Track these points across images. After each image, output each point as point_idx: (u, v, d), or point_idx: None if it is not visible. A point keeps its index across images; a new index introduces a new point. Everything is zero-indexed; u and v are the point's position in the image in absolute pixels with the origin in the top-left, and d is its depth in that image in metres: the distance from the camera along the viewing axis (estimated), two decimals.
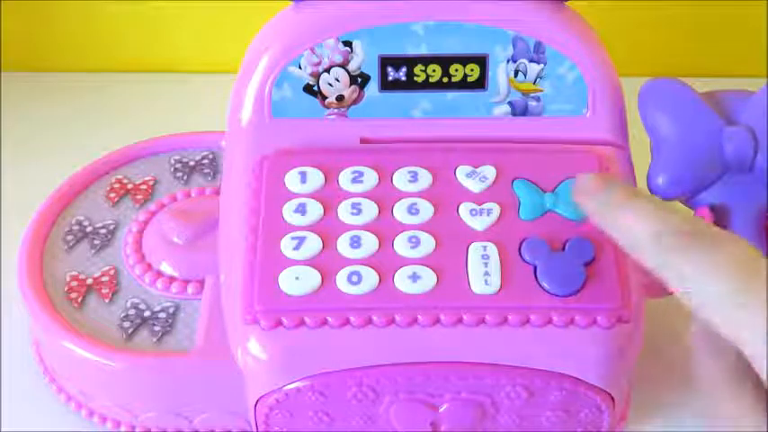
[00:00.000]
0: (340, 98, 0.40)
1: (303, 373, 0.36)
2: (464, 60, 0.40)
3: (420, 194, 0.39)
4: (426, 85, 0.40)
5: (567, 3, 0.40)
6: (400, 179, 0.39)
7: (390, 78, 0.40)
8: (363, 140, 0.41)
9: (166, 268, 0.43)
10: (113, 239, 0.46)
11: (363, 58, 0.40)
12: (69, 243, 0.45)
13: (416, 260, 0.37)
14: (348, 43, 0.39)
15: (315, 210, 0.38)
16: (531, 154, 0.40)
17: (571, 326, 0.36)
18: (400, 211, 0.38)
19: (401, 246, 0.37)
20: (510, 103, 0.40)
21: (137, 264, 0.44)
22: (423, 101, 0.40)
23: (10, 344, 0.46)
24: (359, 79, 0.40)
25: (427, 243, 0.37)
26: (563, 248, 0.37)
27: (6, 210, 0.54)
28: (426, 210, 0.38)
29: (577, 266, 0.36)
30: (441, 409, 0.38)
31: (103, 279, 0.44)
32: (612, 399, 0.38)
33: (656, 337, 0.39)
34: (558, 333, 0.36)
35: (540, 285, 0.36)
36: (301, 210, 0.38)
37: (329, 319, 0.36)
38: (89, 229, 0.46)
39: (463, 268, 0.36)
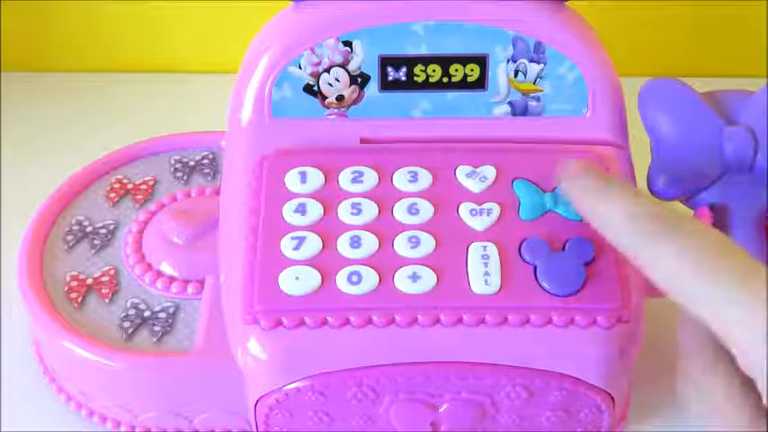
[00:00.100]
0: (340, 98, 0.40)
1: (303, 373, 0.36)
2: (464, 60, 0.40)
3: (420, 194, 0.39)
4: (426, 85, 0.40)
5: (566, 3, 0.40)
6: (400, 179, 0.39)
7: (390, 78, 0.40)
8: (363, 140, 0.41)
9: (166, 268, 0.43)
10: (113, 239, 0.46)
11: (363, 58, 0.40)
12: (69, 243, 0.45)
13: (416, 260, 0.37)
14: (348, 43, 0.39)
15: (315, 210, 0.38)
16: (531, 154, 0.40)
17: (571, 326, 0.36)
18: (400, 211, 0.38)
19: (401, 246, 0.37)
20: (510, 103, 0.40)
21: (137, 264, 0.44)
22: (423, 101, 0.40)
23: (10, 344, 0.46)
24: (359, 79, 0.40)
25: (427, 243, 0.37)
26: (563, 248, 0.37)
27: (6, 210, 0.54)
28: (426, 210, 0.38)
29: (577, 266, 0.36)
30: (441, 409, 0.38)
31: (103, 279, 0.44)
32: (612, 399, 0.38)
33: (656, 337, 0.39)
34: (558, 333, 0.36)
35: (540, 285, 0.36)
36: (301, 210, 0.38)
37: (329, 319, 0.36)
38: (89, 229, 0.46)
39: (463, 268, 0.36)
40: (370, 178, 0.39)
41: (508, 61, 0.40)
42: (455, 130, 0.40)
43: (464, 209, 0.38)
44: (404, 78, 0.40)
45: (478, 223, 0.38)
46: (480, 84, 0.40)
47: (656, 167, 0.39)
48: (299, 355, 0.36)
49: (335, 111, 0.41)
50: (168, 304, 0.42)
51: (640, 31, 0.62)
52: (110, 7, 0.62)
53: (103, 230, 0.46)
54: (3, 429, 0.43)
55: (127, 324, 0.42)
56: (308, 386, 0.36)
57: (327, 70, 0.40)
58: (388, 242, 0.37)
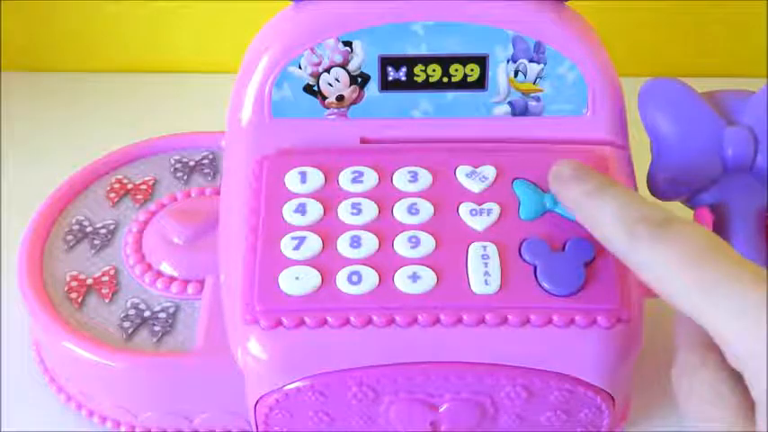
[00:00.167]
0: (340, 98, 0.40)
1: (303, 373, 0.36)
2: (464, 60, 0.40)
3: (420, 194, 0.39)
4: (426, 85, 0.40)
5: (567, 3, 0.40)
6: (400, 179, 0.39)
7: (390, 78, 0.40)
8: (363, 140, 0.41)
9: (166, 268, 0.43)
10: (113, 239, 0.46)
11: (363, 58, 0.40)
12: (69, 243, 0.45)
13: (416, 260, 0.37)
14: (348, 43, 0.39)
15: (315, 210, 0.38)
16: (531, 154, 0.40)
17: (571, 326, 0.36)
18: (400, 211, 0.38)
19: (401, 246, 0.37)
20: (510, 103, 0.40)
21: (137, 264, 0.44)
22: (423, 101, 0.40)
23: (10, 344, 0.46)
24: (359, 79, 0.40)
25: (427, 243, 0.37)
26: (563, 248, 0.37)
27: (6, 210, 0.54)
28: (426, 210, 0.38)
29: (577, 266, 0.36)
30: (441, 409, 0.38)
31: (103, 279, 0.44)
32: (612, 399, 0.38)
33: (656, 337, 0.39)
34: (558, 333, 0.36)
35: (540, 285, 0.36)
36: (301, 210, 0.38)
37: (329, 319, 0.36)
38: (89, 229, 0.46)
39: (463, 268, 0.36)
40: (370, 178, 0.39)
41: (508, 61, 0.40)
42: (455, 130, 0.40)
43: (464, 209, 0.38)
44: (404, 78, 0.40)
45: (478, 223, 0.38)
46: (480, 84, 0.40)
47: (656, 167, 0.39)
48: (299, 355, 0.36)
49: (335, 111, 0.41)
50: (168, 304, 0.42)
51: (640, 31, 0.62)
52: (110, 7, 0.62)
53: (103, 230, 0.46)
54: (3, 429, 0.43)
55: (127, 324, 0.42)
56: (308, 386, 0.36)
57: (327, 70, 0.40)
58: (388, 242, 0.37)
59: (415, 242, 0.37)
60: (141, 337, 0.41)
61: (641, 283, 0.36)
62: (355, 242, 0.37)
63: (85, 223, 0.46)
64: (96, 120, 0.60)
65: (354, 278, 0.36)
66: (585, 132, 0.40)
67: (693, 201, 0.40)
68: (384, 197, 0.38)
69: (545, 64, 0.40)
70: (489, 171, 0.39)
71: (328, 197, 0.39)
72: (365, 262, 0.37)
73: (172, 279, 0.43)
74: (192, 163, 0.50)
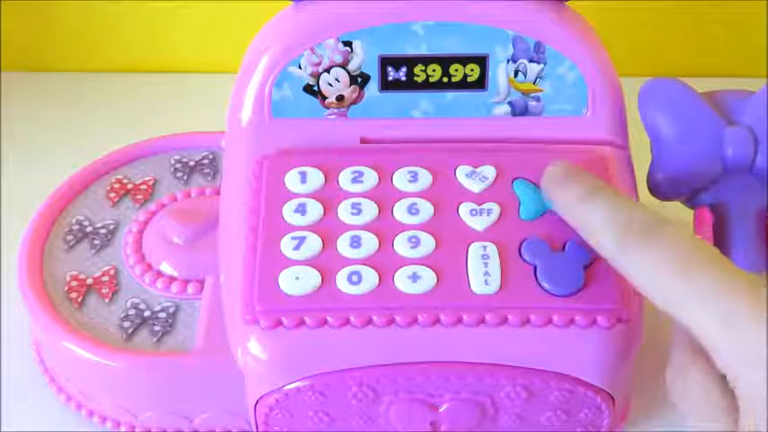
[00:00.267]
0: (340, 98, 0.40)
1: (303, 373, 0.36)
2: (464, 60, 0.40)
3: (420, 194, 0.39)
4: (426, 85, 0.40)
5: (567, 3, 0.40)
6: (400, 179, 0.39)
7: (390, 78, 0.40)
8: (363, 140, 0.41)
9: (166, 268, 0.43)
10: (113, 239, 0.46)
11: (363, 58, 0.40)
12: (69, 243, 0.45)
13: (416, 260, 0.37)
14: (348, 43, 0.39)
15: (315, 210, 0.38)
16: (531, 154, 0.40)
17: (571, 326, 0.36)
18: (400, 211, 0.38)
19: (401, 246, 0.37)
20: (510, 103, 0.40)
21: (137, 264, 0.44)
22: (423, 101, 0.40)
23: (10, 344, 0.46)
24: (359, 79, 0.40)
25: (427, 243, 0.37)
26: (563, 248, 0.37)
27: (6, 210, 0.54)
28: (426, 210, 0.38)
29: (577, 266, 0.36)
30: (441, 409, 0.38)
31: (103, 279, 0.44)
32: (612, 399, 0.38)
33: (656, 338, 0.39)
34: (558, 333, 0.36)
35: (540, 285, 0.36)
36: (301, 210, 0.38)
37: (329, 319, 0.36)
38: (89, 229, 0.46)
39: (463, 268, 0.36)
40: (370, 178, 0.39)
41: (508, 61, 0.40)
42: (455, 130, 0.40)
43: (464, 209, 0.38)
44: (404, 78, 0.40)
45: (478, 223, 0.38)
46: (480, 84, 0.40)
47: (656, 167, 0.39)
48: (299, 355, 0.36)
49: (335, 111, 0.40)
50: (168, 304, 0.42)
51: (640, 31, 0.62)
52: (110, 7, 0.62)
53: (103, 230, 0.46)
54: (3, 429, 0.43)
55: (127, 324, 0.42)
56: (307, 386, 0.36)
57: (327, 70, 0.40)
58: (388, 242, 0.37)
59: (415, 242, 0.37)
60: (141, 337, 0.41)
61: None
62: (355, 242, 0.37)
63: (85, 223, 0.46)
64: (96, 120, 0.60)
65: (354, 278, 0.36)
66: (585, 132, 0.40)
67: (693, 201, 0.40)
68: (384, 197, 0.38)
69: (545, 64, 0.40)
70: (489, 171, 0.39)
71: (328, 197, 0.39)
72: (365, 262, 0.37)
73: (172, 279, 0.43)
74: (192, 163, 0.50)
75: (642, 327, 0.37)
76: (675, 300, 0.30)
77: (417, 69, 0.40)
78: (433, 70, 0.40)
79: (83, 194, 0.48)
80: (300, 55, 0.40)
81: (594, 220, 0.33)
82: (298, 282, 0.36)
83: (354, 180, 0.39)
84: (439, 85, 0.40)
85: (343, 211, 0.38)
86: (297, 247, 0.37)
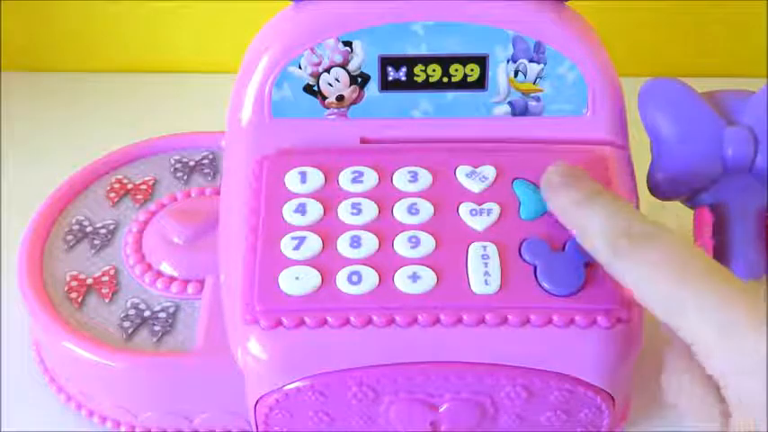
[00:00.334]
0: (340, 98, 0.40)
1: (303, 373, 0.36)
2: (464, 60, 0.40)
3: (420, 194, 0.39)
4: (426, 85, 0.40)
5: (567, 3, 0.40)
6: (400, 179, 0.39)
7: (390, 78, 0.40)
8: (363, 140, 0.41)
9: (166, 268, 0.43)
10: (113, 239, 0.46)
11: (363, 58, 0.40)
12: (69, 243, 0.45)
13: (416, 260, 0.37)
14: (348, 43, 0.39)
15: (315, 210, 0.38)
16: (531, 154, 0.40)
17: (571, 326, 0.36)
18: (400, 211, 0.38)
19: (401, 246, 0.37)
20: (510, 103, 0.40)
21: (137, 264, 0.44)
22: (423, 101, 0.40)
23: (10, 344, 0.46)
24: (359, 79, 0.40)
25: (427, 243, 0.37)
26: (563, 248, 0.37)
27: (6, 210, 0.54)
28: (426, 210, 0.38)
29: (577, 266, 0.36)
30: (441, 409, 0.38)
31: (103, 279, 0.44)
32: (612, 399, 0.38)
33: (656, 338, 0.38)
34: (558, 333, 0.36)
35: (540, 285, 0.36)
36: (301, 210, 0.38)
37: (329, 319, 0.36)
38: (89, 229, 0.46)
39: (463, 268, 0.36)
40: (370, 178, 0.39)
41: (508, 61, 0.40)
42: (455, 130, 0.40)
43: (464, 209, 0.38)
44: (404, 78, 0.40)
45: (478, 223, 0.38)
46: (480, 84, 0.40)
47: (656, 167, 0.39)
48: (299, 355, 0.36)
49: (335, 111, 0.40)
50: (168, 304, 0.42)
51: (640, 31, 0.62)
52: (110, 7, 0.62)
53: (103, 230, 0.46)
54: (3, 429, 0.43)
55: (127, 324, 0.42)
56: (307, 386, 0.36)
57: (327, 70, 0.40)
58: (388, 242, 0.37)
59: (415, 242, 0.37)
60: (141, 337, 0.41)
61: None
62: (355, 242, 0.37)
63: (85, 223, 0.46)
64: (96, 120, 0.60)
65: (354, 278, 0.36)
66: (585, 132, 0.40)
67: (693, 201, 0.40)
68: (384, 197, 0.38)
69: (545, 64, 0.40)
70: (489, 171, 0.39)
71: (328, 197, 0.39)
72: (365, 262, 0.37)
73: (172, 279, 0.43)
74: (192, 163, 0.50)
75: (642, 327, 0.37)
76: (672, 307, 0.30)
77: (417, 69, 0.40)
78: (433, 70, 0.40)
79: (83, 194, 0.48)
80: (300, 55, 0.40)
81: (591, 226, 0.33)
82: (298, 282, 0.36)
83: (354, 180, 0.39)
84: (439, 85, 0.40)
85: (343, 211, 0.38)
86: (297, 247, 0.37)
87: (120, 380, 0.41)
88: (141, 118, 0.59)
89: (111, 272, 0.44)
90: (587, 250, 0.34)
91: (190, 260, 0.43)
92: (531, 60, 0.40)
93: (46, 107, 0.61)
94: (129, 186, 0.48)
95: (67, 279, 0.44)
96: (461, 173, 0.39)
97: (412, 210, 0.38)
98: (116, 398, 0.42)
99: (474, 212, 0.38)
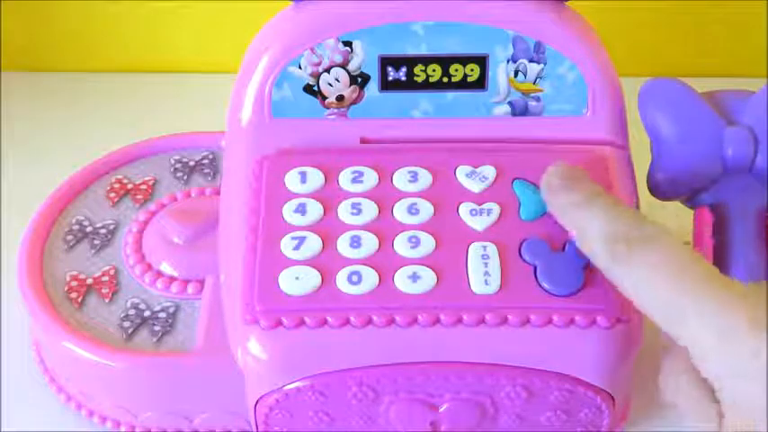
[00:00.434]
0: (340, 98, 0.40)
1: (303, 373, 0.36)
2: (464, 60, 0.40)
3: (420, 194, 0.39)
4: (426, 85, 0.40)
5: (567, 3, 0.40)
6: (400, 179, 0.39)
7: (390, 78, 0.40)
8: (363, 140, 0.41)
9: (166, 268, 0.43)
10: (113, 239, 0.46)
11: (363, 58, 0.40)
12: (69, 243, 0.45)
13: (416, 260, 0.37)
14: (348, 43, 0.39)
15: (315, 210, 0.38)
16: (531, 154, 0.40)
17: (571, 326, 0.36)
18: (400, 211, 0.38)
19: (401, 246, 0.37)
20: (510, 103, 0.40)
21: (137, 264, 0.44)
22: (423, 101, 0.40)
23: (10, 344, 0.46)
24: (359, 79, 0.40)
25: (427, 243, 0.37)
26: (563, 249, 0.37)
27: (6, 210, 0.54)
28: (426, 210, 0.38)
29: (577, 267, 0.36)
30: (441, 409, 0.38)
31: (103, 279, 0.44)
32: (612, 399, 0.38)
33: (656, 338, 0.38)
34: (558, 333, 0.36)
35: (540, 285, 0.36)
36: (301, 210, 0.38)
37: (329, 319, 0.36)
38: (89, 229, 0.46)
39: (463, 268, 0.36)
40: (370, 178, 0.39)
41: (508, 61, 0.40)
42: (455, 130, 0.40)
43: (464, 209, 0.38)
44: (404, 78, 0.40)
45: (478, 223, 0.38)
46: (480, 84, 0.40)
47: (656, 167, 0.39)
48: (299, 355, 0.36)
49: (335, 111, 0.40)
50: (168, 304, 0.42)
51: (640, 31, 0.62)
52: (110, 7, 0.62)
53: (103, 230, 0.46)
54: (3, 429, 0.43)
55: (127, 324, 0.42)
56: (307, 386, 0.36)
57: (327, 70, 0.40)
58: (388, 242, 0.37)
59: (415, 242, 0.37)
60: (141, 337, 0.41)
61: None
62: (355, 242, 0.37)
63: (85, 223, 0.46)
64: (96, 120, 0.60)
65: (354, 278, 0.36)
66: (585, 132, 0.40)
67: (693, 201, 0.40)
68: (384, 197, 0.38)
69: (545, 64, 0.40)
70: (489, 171, 0.39)
71: (328, 197, 0.39)
72: (365, 262, 0.37)
73: (172, 279, 0.43)
74: (192, 163, 0.50)
75: (642, 327, 0.37)
76: (671, 312, 0.30)
77: (417, 69, 0.40)
78: (433, 70, 0.40)
79: (83, 194, 0.48)
80: (300, 55, 0.40)
81: (590, 229, 0.33)
82: (298, 282, 0.36)
83: (354, 180, 0.39)
84: (439, 85, 0.40)
85: (343, 211, 0.38)
86: (297, 247, 0.37)
87: (120, 380, 0.41)
88: (141, 118, 0.59)
89: (111, 272, 0.44)
90: (586, 254, 0.34)
91: (190, 260, 0.43)
92: (531, 60, 0.40)
93: (46, 107, 0.61)
94: (129, 186, 0.48)
95: (67, 279, 0.44)
96: (461, 173, 0.39)
97: (412, 210, 0.38)
98: (116, 398, 0.42)
99: (474, 212, 0.38)
